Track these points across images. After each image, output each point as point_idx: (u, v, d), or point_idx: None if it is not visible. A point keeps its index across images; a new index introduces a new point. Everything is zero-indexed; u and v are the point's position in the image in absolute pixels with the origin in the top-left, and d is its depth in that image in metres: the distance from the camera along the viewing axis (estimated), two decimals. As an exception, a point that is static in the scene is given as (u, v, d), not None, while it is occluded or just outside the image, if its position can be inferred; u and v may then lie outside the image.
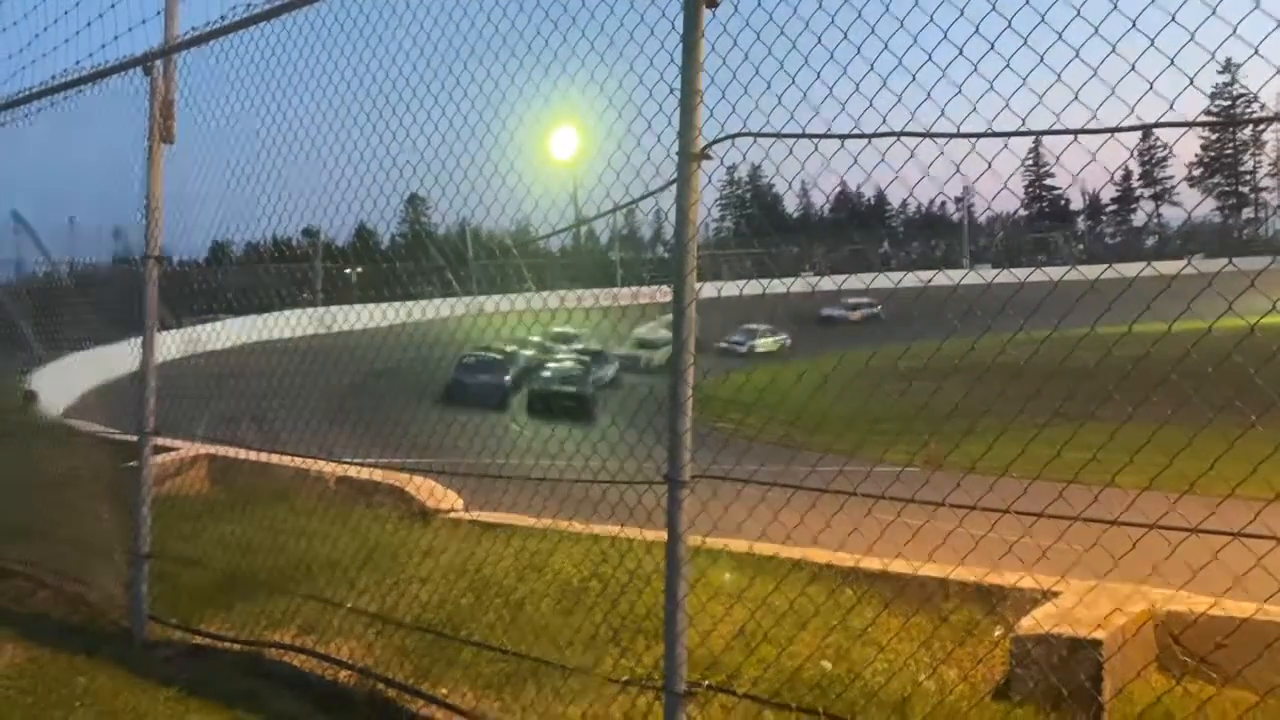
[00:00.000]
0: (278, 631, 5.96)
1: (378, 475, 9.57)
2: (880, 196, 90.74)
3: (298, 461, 10.22)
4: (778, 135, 4.01)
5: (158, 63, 6.37)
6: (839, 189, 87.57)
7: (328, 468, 9.70)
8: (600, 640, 5.18)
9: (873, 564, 5.77)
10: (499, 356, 33.02)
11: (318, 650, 5.60)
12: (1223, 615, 4.87)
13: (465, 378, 29.65)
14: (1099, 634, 4.64)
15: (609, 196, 4.52)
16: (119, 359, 7.34)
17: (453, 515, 8.71)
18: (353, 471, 9.54)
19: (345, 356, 6.64)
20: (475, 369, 30.51)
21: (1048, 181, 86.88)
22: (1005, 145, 3.58)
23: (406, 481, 9.35)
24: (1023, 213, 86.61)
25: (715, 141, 4.05)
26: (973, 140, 3.60)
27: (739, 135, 4.07)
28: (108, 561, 6.70)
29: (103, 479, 7.32)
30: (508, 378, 32.25)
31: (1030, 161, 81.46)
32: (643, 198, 4.41)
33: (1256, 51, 3.14)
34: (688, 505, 3.95)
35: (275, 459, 11.15)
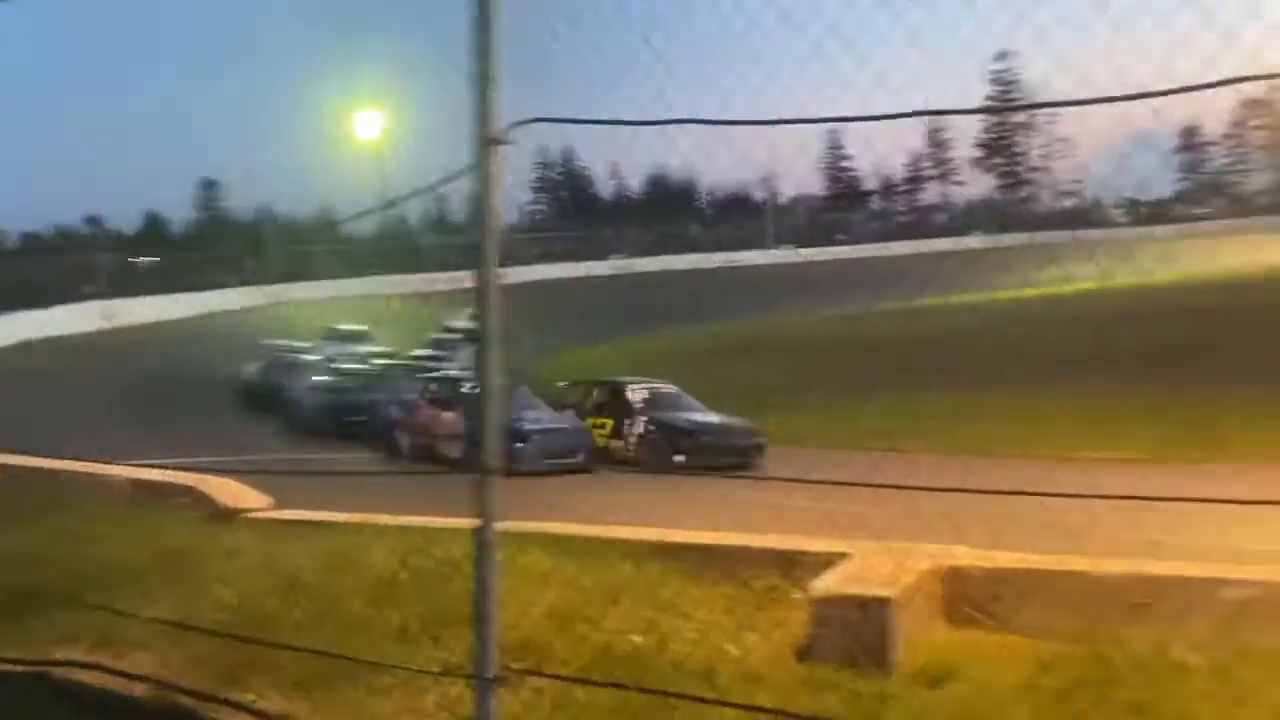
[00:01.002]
0: (68, 649, 5.63)
1: (171, 476, 9.18)
2: (690, 182, 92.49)
3: (86, 466, 9.69)
4: (572, 121, 4.08)
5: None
6: (651, 174, 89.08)
7: (120, 471, 9.27)
8: (412, 633, 5.13)
9: (676, 537, 5.94)
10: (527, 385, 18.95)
11: (111, 666, 5.33)
12: (995, 567, 5.28)
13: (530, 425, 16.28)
14: (886, 592, 4.92)
15: (409, 182, 4.47)
16: None
17: (255, 515, 8.41)
18: (144, 474, 9.12)
19: (135, 351, 6.32)
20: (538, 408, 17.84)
21: (845, 165, 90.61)
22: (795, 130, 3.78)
23: (204, 482, 8.99)
24: (822, 195, 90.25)
25: (513, 126, 4.05)
26: (758, 127, 3.76)
27: (535, 121, 4.09)
28: None
29: None
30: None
31: (829, 146, 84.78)
32: (442, 183, 4.40)
33: (1008, 50, 3.42)
34: (498, 491, 3.97)
35: (61, 465, 10.53)
